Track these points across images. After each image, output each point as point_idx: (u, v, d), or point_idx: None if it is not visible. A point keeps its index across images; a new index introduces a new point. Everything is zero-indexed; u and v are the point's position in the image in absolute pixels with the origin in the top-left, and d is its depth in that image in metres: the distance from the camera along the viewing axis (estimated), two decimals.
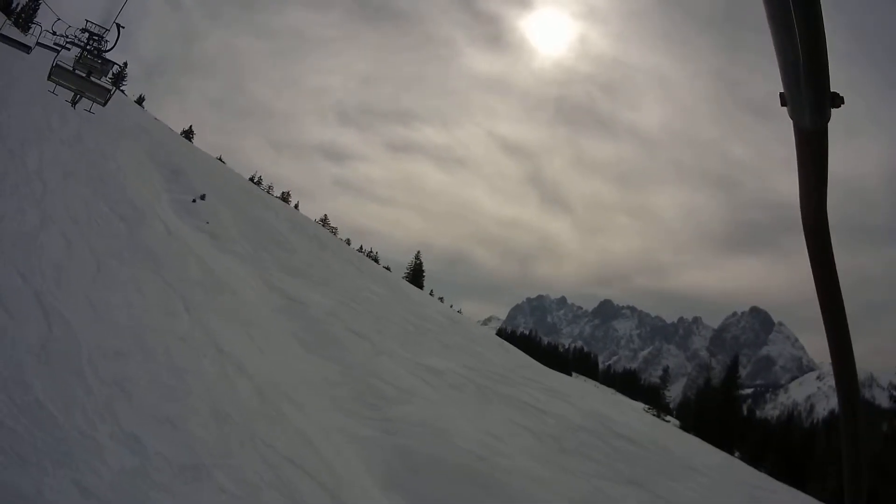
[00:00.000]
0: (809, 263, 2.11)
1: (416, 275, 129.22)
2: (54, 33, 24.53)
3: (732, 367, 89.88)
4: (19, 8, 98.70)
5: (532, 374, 39.36)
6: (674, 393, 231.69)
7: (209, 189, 48.77)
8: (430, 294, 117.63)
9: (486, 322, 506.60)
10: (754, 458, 51.14)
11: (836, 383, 2.34)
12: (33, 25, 29.10)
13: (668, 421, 71.46)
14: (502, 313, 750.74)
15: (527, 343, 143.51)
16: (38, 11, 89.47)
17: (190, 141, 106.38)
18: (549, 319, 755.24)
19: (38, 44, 26.66)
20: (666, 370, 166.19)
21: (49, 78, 21.36)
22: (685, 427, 69.04)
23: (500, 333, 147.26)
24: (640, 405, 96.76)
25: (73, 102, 23.99)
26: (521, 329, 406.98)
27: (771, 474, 41.34)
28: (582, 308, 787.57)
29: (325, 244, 60.04)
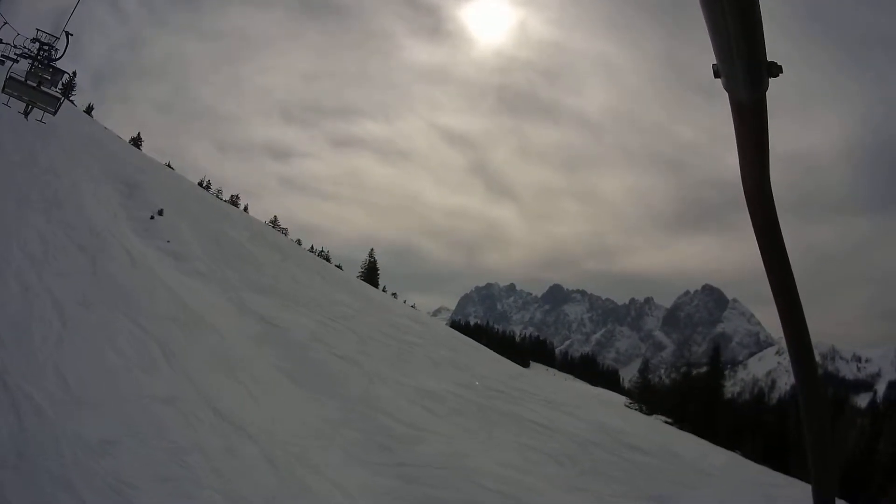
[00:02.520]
0: (755, 237, 2.15)
1: (370, 273, 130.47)
2: (14, 46, 23.84)
3: (714, 356, 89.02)
4: None
5: (524, 384, 39.21)
6: (629, 374, 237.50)
7: (164, 201, 47.56)
8: (384, 291, 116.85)
9: (436, 313, 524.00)
10: (729, 443, 50.78)
11: (791, 358, 2.40)
12: None
13: (650, 415, 70.83)
14: (451, 303, 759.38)
15: (479, 333, 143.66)
16: None
17: (139, 148, 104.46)
18: (498, 307, 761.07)
19: (2, 56, 24.76)
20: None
21: (3, 91, 20.74)
22: (675, 422, 68.60)
23: (454, 325, 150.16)
24: (622, 399, 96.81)
25: (26, 114, 23.03)
26: (471, 319, 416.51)
27: (746, 456, 42.56)
28: (531, 294, 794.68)
29: (287, 253, 59.01)
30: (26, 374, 14.13)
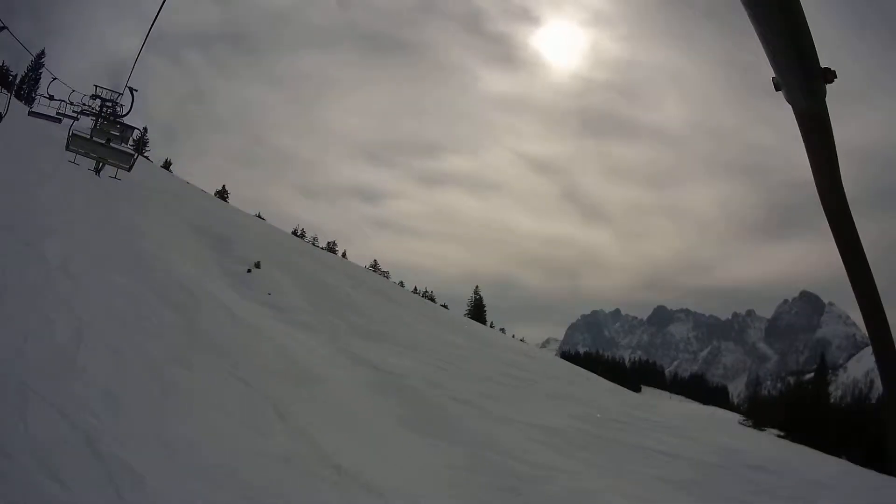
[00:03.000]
0: (833, 238, 2.27)
1: (477, 310, 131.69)
2: (71, 103, 23.95)
3: (821, 364, 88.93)
4: (18, 80, 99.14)
5: (643, 412, 39.24)
6: (736, 389, 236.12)
7: (259, 253, 47.49)
8: (491, 326, 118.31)
9: (544, 344, 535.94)
10: (837, 449, 49.69)
11: (875, 355, 2.44)
12: (37, 97, 28.08)
13: (762, 430, 70.99)
14: (559, 333, 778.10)
15: (589, 362, 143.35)
16: (40, 82, 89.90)
17: (225, 201, 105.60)
18: (605, 333, 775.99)
19: (60, 114, 24.97)
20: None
21: (67, 148, 20.28)
22: (786, 434, 67.84)
23: (564, 356, 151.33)
24: (734, 416, 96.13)
25: (97, 170, 22.95)
26: (580, 347, 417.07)
27: (853, 461, 42.41)
28: (636, 318, 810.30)
29: (392, 297, 59.45)
30: (123, 442, 13.09)
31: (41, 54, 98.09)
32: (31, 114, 25.60)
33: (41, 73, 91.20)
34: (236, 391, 19.42)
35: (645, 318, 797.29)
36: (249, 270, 42.57)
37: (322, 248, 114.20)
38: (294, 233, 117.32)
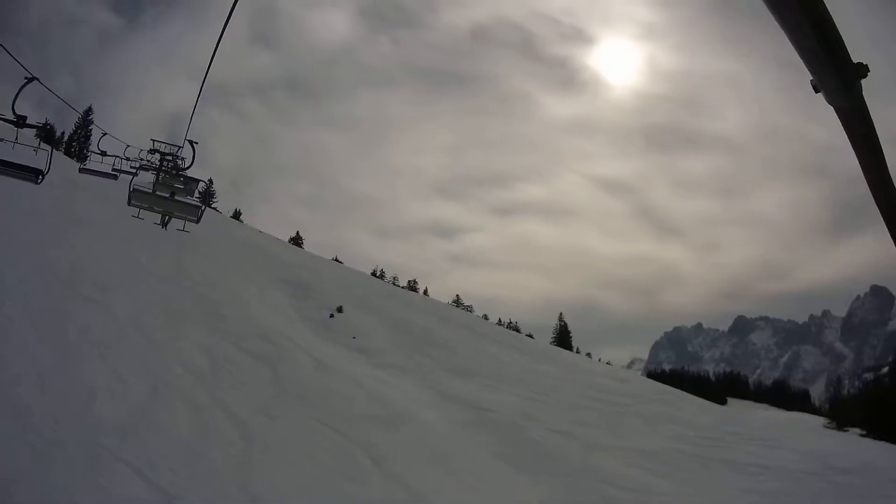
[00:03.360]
0: (889, 233, 2.37)
1: (562, 336, 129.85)
2: (126, 158, 23.44)
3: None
4: (66, 137, 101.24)
5: (733, 426, 38.97)
6: (817, 391, 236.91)
7: (340, 297, 47.02)
8: (577, 352, 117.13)
9: (630, 365, 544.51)
10: None
11: None
12: (89, 154, 28.12)
13: (845, 430, 69.55)
14: (643, 353, 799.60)
15: (675, 379, 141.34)
16: (91, 139, 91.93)
17: (300, 247, 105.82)
18: (689, 348, 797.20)
19: (115, 170, 24.50)
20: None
21: (129, 203, 19.24)
22: (868, 432, 66.12)
23: (650, 375, 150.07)
24: (818, 420, 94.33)
25: (164, 224, 21.80)
26: (665, 365, 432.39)
27: None
28: (718, 329, 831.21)
29: (478, 331, 58.04)
30: (206, 498, 12.87)
31: (89, 110, 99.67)
32: (82, 170, 25.22)
33: (91, 129, 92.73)
34: (327, 439, 18.96)
35: (726, 329, 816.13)
36: (332, 315, 42.11)
37: (403, 287, 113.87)
38: (373, 274, 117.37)
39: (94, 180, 27.02)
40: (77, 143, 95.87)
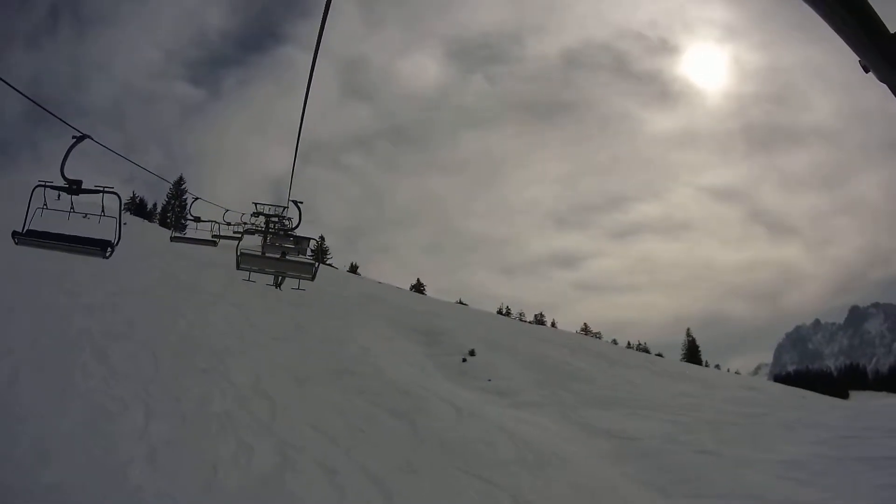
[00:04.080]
0: None
1: (692, 352, 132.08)
2: (227, 223, 24.41)
3: None
4: (159, 209, 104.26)
5: (867, 421, 36.98)
6: None
7: (469, 339, 46.86)
8: (706, 365, 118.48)
9: (755, 371, 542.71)
10: None
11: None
12: (186, 222, 28.53)
13: None
14: (767, 357, 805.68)
15: (800, 379, 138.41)
16: (187, 209, 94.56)
17: (423, 293, 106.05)
18: (809, 346, 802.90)
19: (215, 236, 24.79)
20: None
21: (238, 267, 18.93)
22: None
23: (777, 379, 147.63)
24: None
25: (278, 284, 22.16)
26: (789, 366, 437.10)
27: None
28: (834, 323, 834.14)
29: (611, 358, 57.66)
30: None
31: (180, 180, 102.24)
32: (174, 239, 25.25)
33: (185, 198, 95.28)
34: (471, 488, 18.22)
35: (842, 321, 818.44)
36: (465, 359, 41.69)
37: (530, 322, 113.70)
38: (499, 312, 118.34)
39: (197, 248, 26.96)
40: (172, 214, 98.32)
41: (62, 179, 8.78)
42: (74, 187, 8.83)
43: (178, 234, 25.68)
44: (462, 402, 28.72)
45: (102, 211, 9.70)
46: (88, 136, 8.59)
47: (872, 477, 23.94)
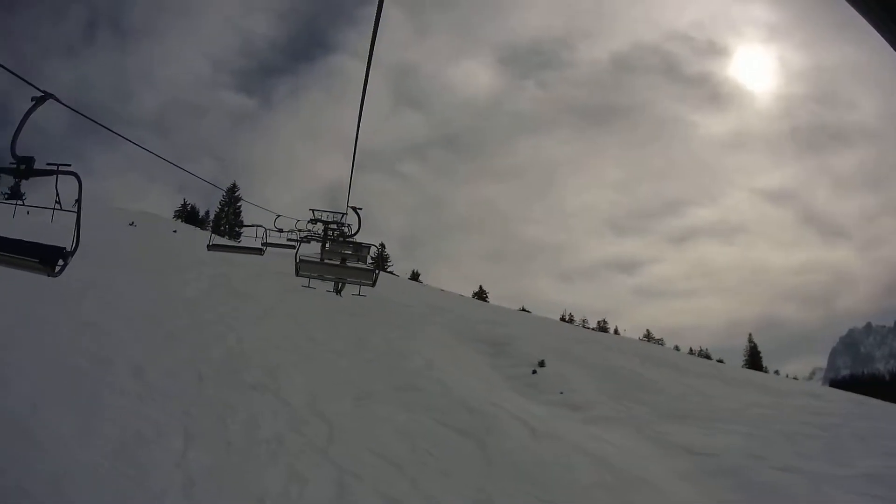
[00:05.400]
0: None
1: (754, 358, 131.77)
2: (280, 230, 24.06)
3: None
4: (211, 217, 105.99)
5: None
6: None
7: (536, 348, 44.95)
8: (765, 371, 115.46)
9: (810, 377, 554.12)
10: None
11: None
12: (241, 230, 28.06)
13: None
14: (821, 361, 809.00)
15: (854, 384, 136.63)
16: (241, 216, 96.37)
17: (486, 301, 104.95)
18: (861, 350, 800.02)
19: (264, 244, 24.07)
20: None
21: (298, 274, 18.78)
22: None
23: (833, 384, 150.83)
24: None
25: (338, 291, 22.69)
26: (842, 371, 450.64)
27: None
28: (884, 326, 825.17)
29: (681, 366, 55.07)
30: None
31: (233, 187, 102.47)
32: (212, 247, 24.21)
33: (240, 206, 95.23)
34: None
35: (892, 324, 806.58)
36: (535, 371, 39.79)
37: (593, 329, 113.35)
38: (562, 318, 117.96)
39: (250, 257, 26.25)
40: (227, 221, 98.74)
41: (12, 158, 6.41)
42: (23, 167, 6.41)
43: (216, 243, 24.82)
44: (535, 420, 27.06)
45: (57, 201, 7.09)
46: (52, 96, 6.43)
47: None
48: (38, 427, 15.05)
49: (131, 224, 76.84)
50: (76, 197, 6.57)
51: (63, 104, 6.63)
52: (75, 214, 6.49)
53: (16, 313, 24.83)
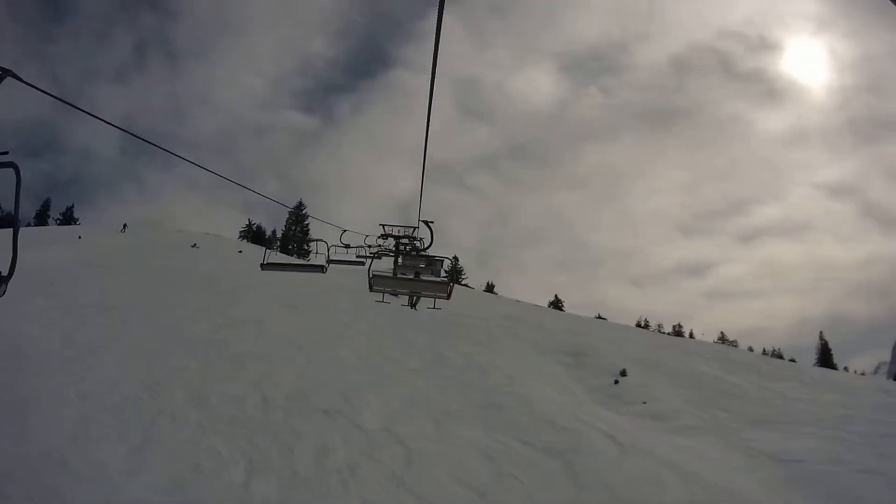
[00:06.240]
0: None
1: (825, 356, 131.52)
2: (346, 246, 23.77)
3: None
4: (279, 235, 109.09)
5: None
6: None
7: (617, 357, 44.37)
8: (835, 368, 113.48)
9: (876, 370, 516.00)
10: None
11: None
12: (310, 247, 27.84)
13: None
14: (884, 355, 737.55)
15: None
16: (308, 234, 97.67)
17: (561, 310, 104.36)
18: None
19: (329, 261, 23.61)
20: None
21: (371, 290, 19.45)
22: None
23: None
24: None
25: (413, 304, 23.08)
26: None
27: None
28: None
29: (760, 369, 53.60)
30: None
31: (300, 205, 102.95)
32: (266, 267, 23.37)
33: (307, 224, 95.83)
34: None
35: None
36: (616, 381, 38.74)
37: (668, 334, 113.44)
38: (637, 324, 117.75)
39: (320, 276, 25.89)
40: (295, 239, 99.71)
41: None
42: None
43: (270, 261, 23.80)
44: (620, 434, 25.80)
45: None
46: (10, 72, 5.30)
47: None
48: (78, 460, 14.40)
49: (194, 246, 77.51)
50: (14, 192, 5.24)
51: (24, 82, 5.46)
52: (13, 213, 5.28)
53: (61, 339, 24.37)
